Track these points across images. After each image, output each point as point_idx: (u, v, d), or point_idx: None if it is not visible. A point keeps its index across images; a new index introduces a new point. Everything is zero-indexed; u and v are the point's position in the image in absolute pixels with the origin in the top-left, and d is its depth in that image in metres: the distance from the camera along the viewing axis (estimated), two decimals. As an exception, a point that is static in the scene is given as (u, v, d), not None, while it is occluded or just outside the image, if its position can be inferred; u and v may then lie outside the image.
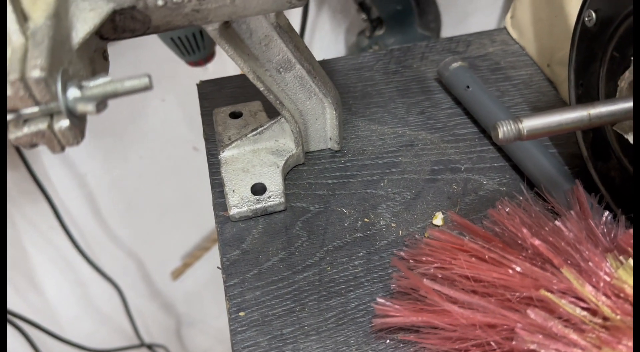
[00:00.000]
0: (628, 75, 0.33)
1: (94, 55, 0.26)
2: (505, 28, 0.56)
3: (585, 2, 0.37)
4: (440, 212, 0.40)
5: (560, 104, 0.48)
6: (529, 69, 0.51)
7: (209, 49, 0.67)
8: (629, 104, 0.32)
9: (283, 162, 0.42)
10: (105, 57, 0.28)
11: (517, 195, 0.35)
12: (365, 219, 0.40)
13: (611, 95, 0.36)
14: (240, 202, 0.40)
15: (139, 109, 0.81)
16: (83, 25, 0.24)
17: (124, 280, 1.01)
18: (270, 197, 0.40)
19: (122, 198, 0.92)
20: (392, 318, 0.33)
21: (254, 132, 0.42)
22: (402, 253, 0.36)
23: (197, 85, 0.50)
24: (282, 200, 0.40)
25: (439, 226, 0.40)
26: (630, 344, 0.27)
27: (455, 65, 0.47)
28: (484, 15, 0.79)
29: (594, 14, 0.37)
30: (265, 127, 0.42)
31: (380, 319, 0.33)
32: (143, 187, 0.91)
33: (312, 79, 0.39)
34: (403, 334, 0.34)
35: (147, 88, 0.22)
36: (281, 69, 0.38)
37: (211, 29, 0.32)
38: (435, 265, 0.34)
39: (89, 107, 0.21)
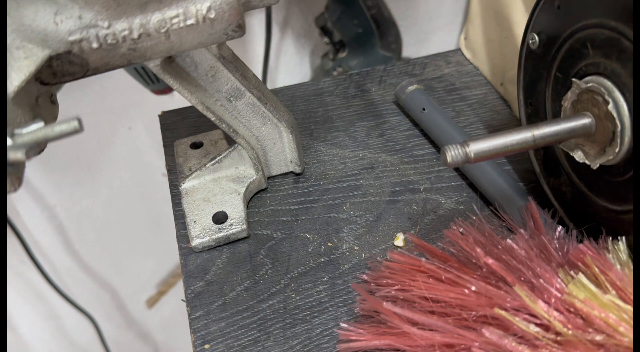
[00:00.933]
0: (570, 95, 0.35)
1: (40, 101, 0.26)
2: (459, 49, 0.57)
3: (529, 25, 0.39)
4: (401, 233, 0.41)
5: (514, 122, 0.49)
6: (484, 88, 0.53)
7: (173, 77, 0.67)
8: (571, 124, 0.33)
9: (244, 188, 0.42)
10: (53, 101, 0.28)
11: (472, 214, 0.36)
12: (329, 244, 0.41)
13: (557, 114, 0.37)
14: (202, 232, 0.40)
15: (106, 138, 0.80)
16: (18, 73, 0.24)
17: (98, 311, 0.99)
18: (232, 224, 0.41)
19: (93, 228, 0.91)
20: (355, 343, 0.33)
21: (213, 162, 0.43)
22: (364, 276, 0.36)
23: (159, 116, 0.51)
24: (244, 227, 0.40)
25: (400, 247, 0.40)
26: (582, 357, 0.28)
27: (411, 88, 0.48)
28: (444, 34, 0.81)
29: (536, 37, 0.38)
30: (223, 155, 0.43)
31: (344, 344, 0.34)
32: (113, 216, 0.90)
33: (264, 105, 0.39)
34: (367, 357, 0.34)
35: (77, 131, 0.23)
36: (232, 98, 0.39)
37: (153, 66, 0.32)
38: (396, 287, 0.34)
39: (19, 155, 0.21)
